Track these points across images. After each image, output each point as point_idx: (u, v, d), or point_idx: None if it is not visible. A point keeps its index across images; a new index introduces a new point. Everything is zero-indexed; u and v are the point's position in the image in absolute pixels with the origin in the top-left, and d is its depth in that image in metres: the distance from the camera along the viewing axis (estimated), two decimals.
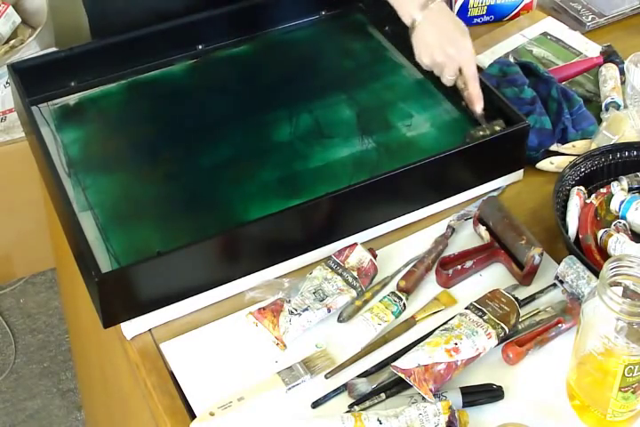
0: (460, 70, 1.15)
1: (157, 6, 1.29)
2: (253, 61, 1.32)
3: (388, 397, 0.93)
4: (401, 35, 1.33)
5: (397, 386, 0.93)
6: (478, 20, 1.47)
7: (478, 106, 1.15)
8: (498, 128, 1.12)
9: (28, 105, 1.21)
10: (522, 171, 1.18)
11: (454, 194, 1.13)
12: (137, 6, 1.31)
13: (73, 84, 1.27)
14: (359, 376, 0.95)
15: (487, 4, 1.45)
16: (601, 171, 1.14)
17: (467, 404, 0.91)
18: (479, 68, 1.31)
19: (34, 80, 1.23)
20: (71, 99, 1.26)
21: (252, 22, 1.35)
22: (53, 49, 1.95)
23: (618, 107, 1.25)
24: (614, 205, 1.09)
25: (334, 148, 1.17)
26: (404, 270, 1.06)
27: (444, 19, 1.15)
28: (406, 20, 1.16)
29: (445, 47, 1.13)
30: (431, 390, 0.89)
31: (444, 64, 1.15)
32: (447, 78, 1.16)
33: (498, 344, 0.95)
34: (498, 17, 1.47)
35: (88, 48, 1.26)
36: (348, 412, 0.91)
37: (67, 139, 1.20)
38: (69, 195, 1.09)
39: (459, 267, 1.03)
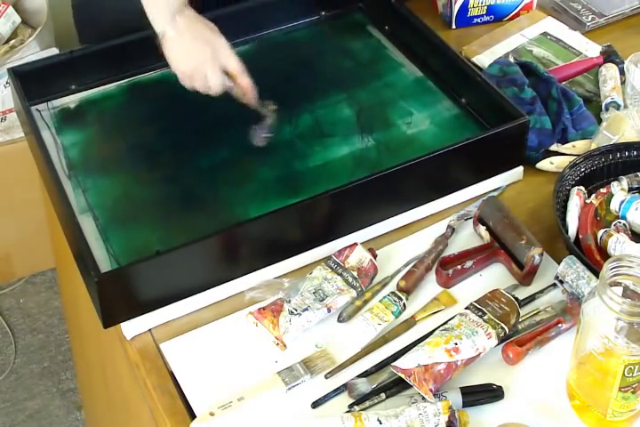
0: (224, 70, 1.11)
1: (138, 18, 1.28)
2: (254, 62, 1.32)
3: (388, 397, 0.93)
4: (401, 34, 1.34)
5: (397, 386, 0.93)
6: (478, 20, 1.47)
7: (251, 97, 1.13)
8: (271, 107, 1.13)
9: (28, 108, 1.21)
10: (522, 171, 1.18)
11: (454, 191, 1.14)
12: (125, 16, 1.30)
13: (73, 87, 1.27)
14: (359, 376, 0.95)
15: (487, 4, 1.45)
16: (601, 171, 1.14)
17: (467, 404, 0.91)
18: (479, 68, 1.31)
19: (34, 84, 1.24)
20: (71, 102, 1.26)
21: (252, 23, 1.35)
22: (53, 49, 1.95)
23: (618, 107, 1.25)
24: (614, 205, 1.09)
25: (334, 146, 1.17)
26: (404, 270, 1.06)
27: (193, 26, 1.10)
28: (158, 31, 1.10)
29: (202, 51, 1.09)
30: (431, 390, 0.89)
31: (205, 69, 1.10)
32: (212, 82, 1.11)
33: (498, 344, 0.95)
34: (498, 17, 1.47)
35: (88, 51, 1.26)
36: (347, 412, 0.91)
37: (67, 141, 1.20)
38: (69, 197, 1.09)
39: (459, 267, 1.03)
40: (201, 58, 1.09)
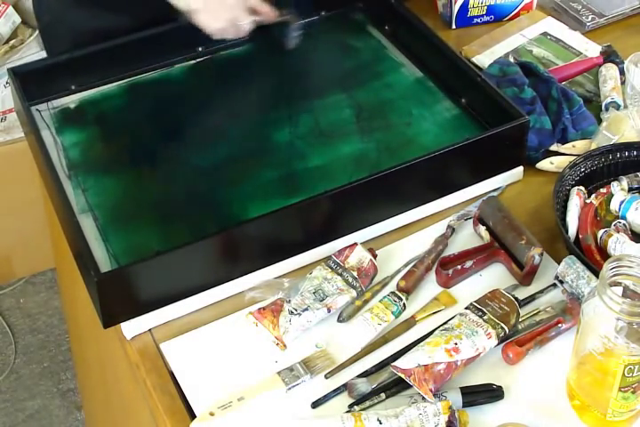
0: (251, 9, 1.21)
1: (102, 26, 1.28)
2: (254, 62, 1.32)
3: (387, 397, 0.93)
4: (401, 34, 1.34)
5: (397, 386, 0.93)
6: (478, 20, 1.47)
7: (275, 17, 1.24)
8: (288, 13, 1.25)
9: (28, 108, 1.21)
10: (522, 171, 1.18)
11: (454, 191, 1.13)
12: (83, 27, 1.30)
13: (73, 87, 1.27)
14: (359, 376, 0.95)
15: (487, 4, 1.45)
16: (601, 171, 1.14)
17: (467, 404, 0.91)
18: (479, 68, 1.31)
19: (34, 84, 1.24)
20: (71, 102, 1.26)
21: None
22: None
23: (618, 107, 1.25)
24: (614, 205, 1.09)
25: (334, 146, 1.17)
26: (404, 270, 1.06)
27: None
28: (182, 6, 1.19)
29: (229, 8, 1.18)
30: (431, 390, 0.89)
31: (237, 21, 1.20)
32: (247, 28, 1.21)
33: (498, 344, 0.95)
34: (498, 17, 1.47)
35: (87, 52, 1.26)
36: (347, 412, 0.91)
37: (67, 141, 1.20)
38: (69, 197, 1.09)
39: (459, 267, 1.04)
40: (230, 14, 1.19)
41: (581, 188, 1.10)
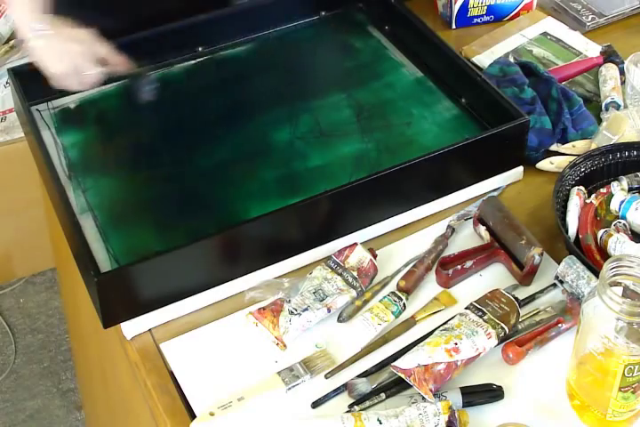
0: (100, 60, 1.13)
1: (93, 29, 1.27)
2: (254, 62, 1.32)
3: (388, 397, 0.93)
4: (401, 34, 1.34)
5: (397, 386, 0.93)
6: (478, 20, 1.47)
7: (129, 67, 1.16)
8: (140, 67, 1.17)
9: (28, 108, 1.21)
10: (522, 171, 1.18)
11: (454, 191, 1.14)
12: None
13: None
14: (359, 376, 0.95)
15: (487, 4, 1.45)
16: (601, 171, 1.14)
17: (467, 404, 0.91)
18: (479, 68, 1.31)
19: (34, 84, 1.23)
20: (71, 102, 1.26)
21: (252, 23, 1.35)
22: None
23: (618, 107, 1.25)
24: (614, 205, 1.09)
25: (334, 146, 1.17)
26: (404, 270, 1.06)
27: (59, 30, 1.11)
28: (22, 38, 1.12)
29: (73, 51, 1.10)
30: (431, 390, 0.89)
31: (81, 67, 1.11)
32: (92, 77, 1.13)
33: (498, 344, 0.95)
34: (498, 17, 1.47)
35: None
36: (347, 412, 0.91)
37: (67, 141, 1.20)
38: (69, 197, 1.09)
39: (459, 267, 1.04)
40: (74, 58, 1.11)
41: (581, 188, 1.10)
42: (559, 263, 1.01)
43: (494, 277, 1.06)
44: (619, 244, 1.02)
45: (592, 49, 1.38)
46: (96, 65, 1.12)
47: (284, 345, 0.97)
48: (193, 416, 0.93)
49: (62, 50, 1.11)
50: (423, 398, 0.89)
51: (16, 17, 1.12)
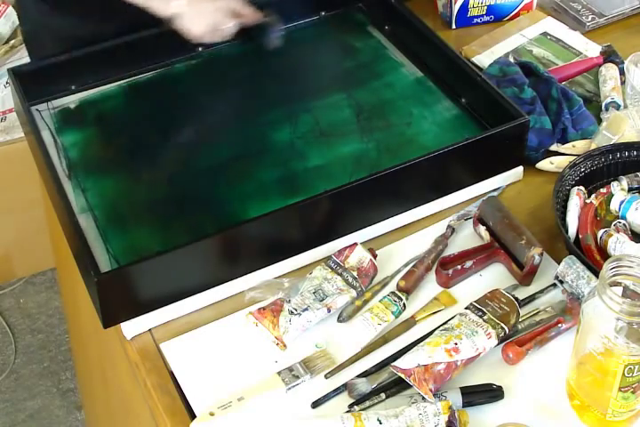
0: (233, 13, 1.20)
1: (84, 34, 1.28)
2: (254, 62, 1.32)
3: (387, 397, 0.93)
4: (401, 34, 1.34)
5: (397, 386, 0.93)
6: (478, 20, 1.47)
7: (258, 18, 1.23)
8: (269, 14, 1.24)
9: (28, 108, 1.21)
10: (522, 171, 1.18)
11: (454, 191, 1.13)
12: (64, 34, 1.29)
13: (73, 87, 1.27)
14: (359, 376, 0.95)
15: (487, 4, 1.45)
16: (601, 171, 1.14)
17: (467, 404, 0.91)
18: (479, 68, 1.31)
19: (34, 84, 1.24)
20: (71, 102, 1.26)
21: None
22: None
23: (618, 107, 1.25)
24: (614, 205, 1.09)
25: (334, 146, 1.17)
26: (404, 270, 1.06)
27: None
28: (161, 14, 1.18)
29: (209, 13, 1.18)
30: (431, 390, 0.89)
31: (219, 25, 1.19)
32: (229, 31, 1.21)
33: (498, 344, 0.95)
34: (498, 17, 1.47)
35: (87, 52, 1.26)
36: (347, 412, 0.91)
37: (67, 141, 1.20)
38: (69, 197, 1.09)
39: (459, 267, 1.03)
40: (212, 19, 1.19)
41: (581, 188, 1.10)
42: (559, 263, 1.01)
43: (494, 277, 1.06)
44: (619, 244, 1.02)
45: (592, 49, 1.38)
46: (230, 18, 1.20)
47: (284, 345, 0.97)
48: (193, 416, 0.93)
49: (200, 11, 1.18)
50: (423, 398, 0.89)
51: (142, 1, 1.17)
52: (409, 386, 0.91)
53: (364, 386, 0.93)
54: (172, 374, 0.98)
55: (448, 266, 1.04)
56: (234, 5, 1.20)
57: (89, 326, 1.27)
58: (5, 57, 1.92)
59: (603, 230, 1.05)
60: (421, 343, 0.93)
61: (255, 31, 1.25)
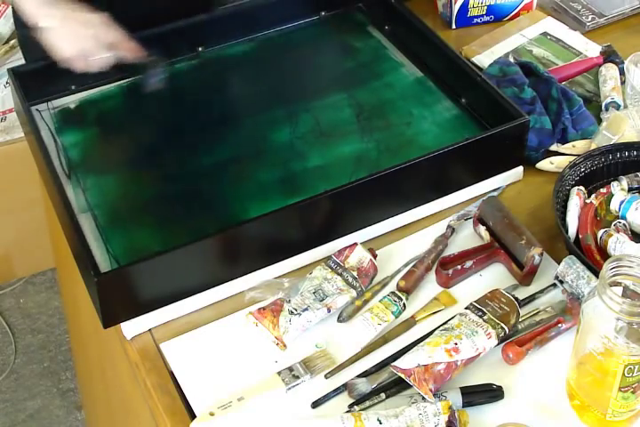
0: (110, 44, 1.14)
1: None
2: (254, 62, 1.32)
3: (387, 397, 0.93)
4: (401, 34, 1.34)
5: (397, 386, 0.93)
6: (478, 20, 1.47)
7: (141, 54, 1.16)
8: (154, 57, 1.18)
9: (29, 108, 1.21)
10: (522, 171, 1.18)
11: (454, 191, 1.14)
12: None
13: (73, 87, 1.27)
14: (359, 376, 0.95)
15: (487, 4, 1.45)
16: (601, 171, 1.14)
17: (467, 404, 0.91)
18: (479, 68, 1.31)
19: (34, 84, 1.24)
20: (71, 102, 1.26)
21: (252, 23, 1.35)
22: None
23: (618, 107, 1.25)
24: (614, 205, 1.09)
25: (334, 147, 1.17)
26: (404, 270, 1.06)
27: (69, 15, 1.13)
28: (32, 24, 1.13)
29: (84, 36, 1.12)
30: (431, 390, 0.89)
31: (91, 51, 1.13)
32: (103, 61, 1.14)
33: (498, 344, 0.95)
34: (498, 17, 1.47)
35: None
36: (347, 412, 0.91)
37: (67, 141, 1.20)
38: (69, 197, 1.09)
39: (459, 267, 1.04)
40: (83, 44, 1.12)
41: (581, 188, 1.10)
42: (559, 263, 1.01)
43: (494, 277, 1.06)
44: (619, 244, 1.02)
45: (592, 49, 1.38)
46: (106, 49, 1.13)
47: (284, 345, 0.97)
48: (193, 416, 0.93)
49: (73, 33, 1.11)
50: (423, 398, 0.89)
51: (20, 4, 1.12)
52: (409, 386, 0.91)
53: (364, 386, 0.93)
54: (172, 374, 0.98)
55: (448, 266, 1.04)
56: (112, 37, 1.13)
57: (89, 326, 1.27)
58: (5, 57, 1.92)
59: (603, 230, 1.05)
60: (421, 343, 0.93)
61: (136, 69, 1.20)
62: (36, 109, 1.25)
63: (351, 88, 1.26)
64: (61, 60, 1.13)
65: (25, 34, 1.36)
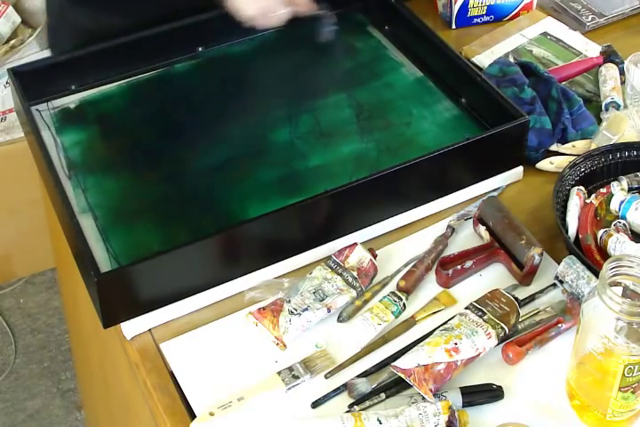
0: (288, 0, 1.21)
1: (102, 26, 1.28)
2: (254, 62, 1.32)
3: (387, 397, 0.93)
4: (401, 34, 1.34)
5: (397, 386, 0.93)
6: (478, 20, 1.47)
7: (313, 8, 1.23)
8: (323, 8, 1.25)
9: (29, 108, 1.21)
10: (522, 171, 1.18)
11: (454, 191, 1.14)
12: (83, 26, 1.30)
13: (73, 87, 1.27)
14: (359, 376, 0.95)
15: (487, 4, 1.45)
16: (601, 171, 1.14)
17: (467, 404, 0.91)
18: (479, 68, 1.31)
19: (34, 84, 1.23)
20: (71, 102, 1.26)
21: None
22: None
23: (618, 107, 1.25)
24: (614, 205, 1.09)
25: (334, 146, 1.17)
26: (404, 270, 1.06)
27: None
28: None
29: None
30: (431, 390, 0.89)
31: (273, 8, 1.20)
32: (283, 17, 1.21)
33: (498, 344, 0.95)
34: (498, 17, 1.47)
35: (87, 51, 1.26)
36: (347, 412, 0.91)
37: (67, 141, 1.20)
38: (69, 197, 1.09)
39: (459, 267, 1.04)
40: (264, 2, 1.20)
41: (581, 188, 1.10)
42: (559, 263, 1.01)
43: (494, 277, 1.06)
44: (619, 244, 1.03)
45: (592, 49, 1.38)
46: (284, 6, 1.21)
47: (284, 345, 0.97)
48: (193, 416, 0.93)
49: None
50: (423, 398, 0.89)
51: None
52: (409, 386, 0.91)
53: (364, 386, 0.93)
54: (171, 374, 0.98)
55: (448, 266, 1.04)
56: None
57: (89, 326, 1.27)
58: (5, 57, 1.92)
59: (603, 230, 1.05)
60: (421, 343, 0.93)
61: (307, 22, 1.25)
62: (36, 109, 1.25)
63: (351, 88, 1.26)
64: (246, 19, 1.20)
65: (52, 21, 1.37)
